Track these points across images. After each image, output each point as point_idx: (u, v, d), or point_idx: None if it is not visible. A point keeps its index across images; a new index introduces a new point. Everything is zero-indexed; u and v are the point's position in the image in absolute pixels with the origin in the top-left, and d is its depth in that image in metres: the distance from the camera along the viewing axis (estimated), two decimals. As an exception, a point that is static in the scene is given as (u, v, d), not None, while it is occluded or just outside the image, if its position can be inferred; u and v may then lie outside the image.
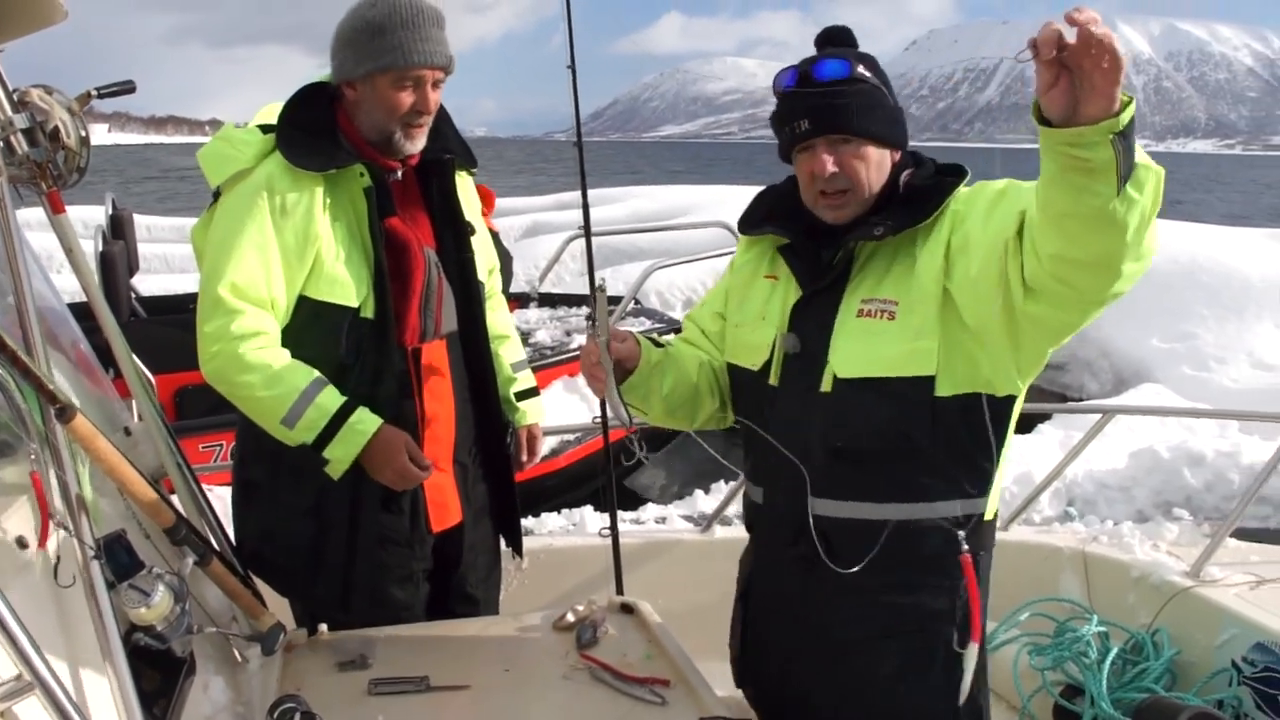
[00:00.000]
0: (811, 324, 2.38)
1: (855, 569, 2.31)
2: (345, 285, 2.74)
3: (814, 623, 2.42)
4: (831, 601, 2.38)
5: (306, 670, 2.55)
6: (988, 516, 2.39)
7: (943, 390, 2.25)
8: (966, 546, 2.31)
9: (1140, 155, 1.78)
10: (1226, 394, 10.12)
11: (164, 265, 16.69)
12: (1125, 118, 1.70)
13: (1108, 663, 3.48)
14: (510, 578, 3.73)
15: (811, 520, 2.35)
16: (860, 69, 2.30)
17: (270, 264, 2.70)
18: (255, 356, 2.67)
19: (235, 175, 2.75)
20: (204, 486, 2.85)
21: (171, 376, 6.97)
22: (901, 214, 2.30)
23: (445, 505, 2.99)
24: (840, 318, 2.34)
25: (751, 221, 2.55)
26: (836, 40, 2.40)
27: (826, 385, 2.32)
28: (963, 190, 2.32)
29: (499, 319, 3.21)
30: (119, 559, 2.08)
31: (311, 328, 2.75)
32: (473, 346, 3.02)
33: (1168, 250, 12.22)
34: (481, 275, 3.05)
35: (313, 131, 2.79)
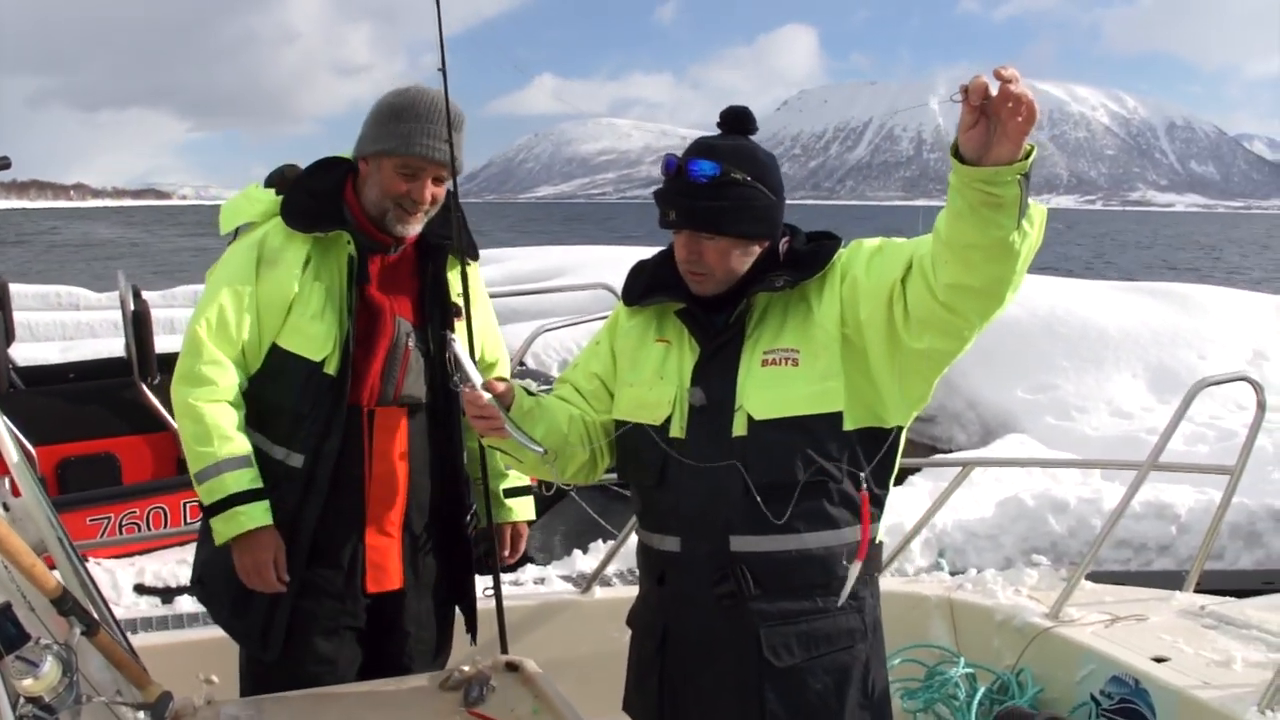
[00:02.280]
0: (715, 378, 2.56)
1: (780, 599, 2.50)
2: (313, 340, 2.91)
3: (741, 657, 2.52)
4: (759, 633, 2.51)
5: (195, 739, 2.55)
6: (879, 539, 2.65)
7: (848, 425, 2.49)
8: (869, 569, 2.58)
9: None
10: (1088, 442, 10.48)
11: (29, 334, 16.18)
12: (1029, 162, 1.99)
13: (976, 703, 3.61)
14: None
15: (735, 558, 2.51)
16: (733, 172, 2.49)
17: (244, 309, 2.92)
18: (201, 408, 2.87)
19: (243, 227, 3.04)
20: (88, 559, 2.85)
21: (53, 448, 6.86)
22: (793, 271, 2.54)
23: (385, 568, 3.04)
24: (744, 369, 2.53)
25: (635, 294, 2.73)
26: (733, 120, 2.58)
27: (740, 429, 2.50)
28: (842, 249, 2.57)
29: None
30: (5, 631, 2.08)
31: (279, 375, 2.94)
32: (442, 422, 3.11)
33: (1028, 304, 12.70)
34: None
35: (316, 196, 2.99)
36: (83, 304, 18.96)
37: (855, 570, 2.46)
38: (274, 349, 2.93)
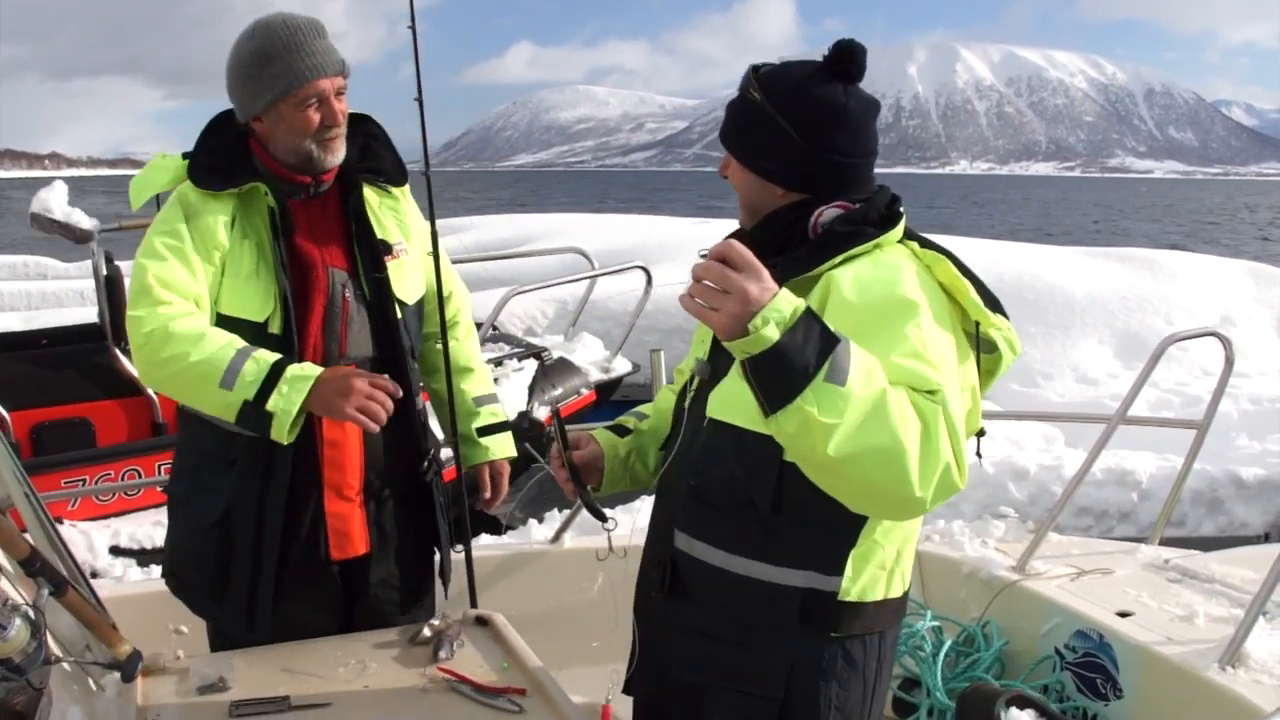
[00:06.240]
0: (723, 355, 2.12)
1: (693, 610, 2.31)
2: (251, 300, 2.78)
3: (663, 651, 2.42)
4: (673, 637, 2.37)
5: (165, 696, 2.54)
6: (845, 598, 2.21)
7: (791, 455, 2.04)
8: (806, 621, 2.21)
9: (809, 400, 1.84)
10: (1053, 408, 10.53)
11: (-3, 302, 16.06)
12: (755, 348, 1.85)
13: (942, 655, 3.64)
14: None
15: (671, 551, 2.35)
16: (754, 91, 2.23)
17: (190, 263, 2.73)
18: (183, 326, 2.64)
19: (161, 196, 2.90)
20: (63, 521, 2.83)
21: (27, 413, 6.86)
22: (796, 260, 2.18)
23: (348, 534, 2.93)
24: None
25: None
26: (844, 55, 2.22)
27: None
28: (868, 255, 2.18)
29: (464, 349, 3.17)
30: (-30, 593, 2.08)
31: None
32: (391, 373, 2.83)
33: (995, 269, 12.75)
34: (406, 297, 2.98)
35: (221, 154, 2.86)
36: (50, 273, 18.80)
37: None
38: (218, 318, 2.76)
